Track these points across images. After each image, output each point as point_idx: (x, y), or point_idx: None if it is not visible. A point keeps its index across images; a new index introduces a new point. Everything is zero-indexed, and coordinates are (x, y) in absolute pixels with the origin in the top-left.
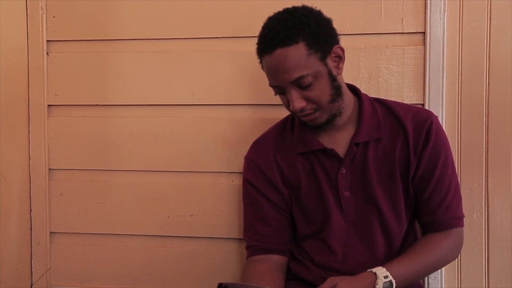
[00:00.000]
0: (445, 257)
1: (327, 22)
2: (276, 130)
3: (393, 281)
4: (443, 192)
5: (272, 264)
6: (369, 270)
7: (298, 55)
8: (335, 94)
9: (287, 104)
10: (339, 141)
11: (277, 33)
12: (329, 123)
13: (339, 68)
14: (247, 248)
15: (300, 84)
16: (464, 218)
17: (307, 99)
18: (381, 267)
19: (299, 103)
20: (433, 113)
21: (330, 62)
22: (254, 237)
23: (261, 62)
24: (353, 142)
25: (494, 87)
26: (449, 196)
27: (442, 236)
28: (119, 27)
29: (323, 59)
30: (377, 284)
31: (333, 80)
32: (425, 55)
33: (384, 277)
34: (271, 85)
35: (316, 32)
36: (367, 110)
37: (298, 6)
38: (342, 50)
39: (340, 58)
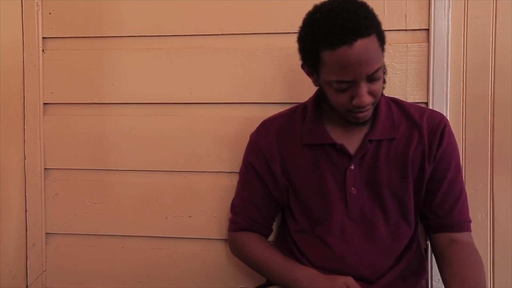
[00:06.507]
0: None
1: None
2: (285, 117)
3: None
4: (455, 195)
5: (263, 238)
6: None
7: (375, 47)
8: (383, 88)
9: (348, 100)
10: (351, 137)
11: (356, 24)
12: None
13: None
14: (232, 222)
15: (374, 77)
16: None
17: (370, 93)
18: None
19: (367, 97)
20: (444, 116)
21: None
22: (243, 217)
23: (318, 56)
24: (367, 139)
25: (499, 85)
26: (461, 199)
27: (472, 250)
28: (116, 24)
29: (383, 52)
30: None
31: (385, 74)
32: (429, 53)
33: None
34: (340, 80)
35: (380, 25)
36: (383, 109)
37: None
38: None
39: None
